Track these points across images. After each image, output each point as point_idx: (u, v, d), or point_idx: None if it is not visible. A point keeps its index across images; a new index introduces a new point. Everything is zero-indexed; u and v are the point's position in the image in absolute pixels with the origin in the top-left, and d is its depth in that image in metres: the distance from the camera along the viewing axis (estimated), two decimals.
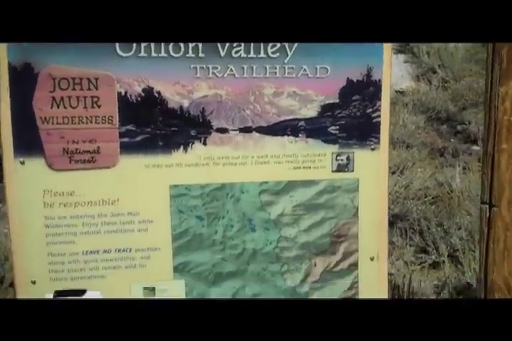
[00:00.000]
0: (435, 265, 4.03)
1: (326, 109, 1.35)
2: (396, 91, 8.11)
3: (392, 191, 5.11)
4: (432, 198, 4.99)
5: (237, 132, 1.33)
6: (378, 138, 1.40)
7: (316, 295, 1.41)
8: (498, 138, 1.41)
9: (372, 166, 1.41)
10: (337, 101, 1.36)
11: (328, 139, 1.37)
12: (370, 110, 1.38)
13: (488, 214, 1.45)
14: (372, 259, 1.45)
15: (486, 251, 1.47)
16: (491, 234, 1.45)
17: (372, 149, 1.40)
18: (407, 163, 5.67)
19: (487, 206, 1.45)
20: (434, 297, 3.37)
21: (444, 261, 3.98)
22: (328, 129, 1.36)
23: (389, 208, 5.01)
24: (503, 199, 1.43)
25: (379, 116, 1.38)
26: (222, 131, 1.32)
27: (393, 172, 5.47)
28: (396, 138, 6.46)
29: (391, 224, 4.61)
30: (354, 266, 1.44)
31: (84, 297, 1.27)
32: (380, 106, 1.38)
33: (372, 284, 1.46)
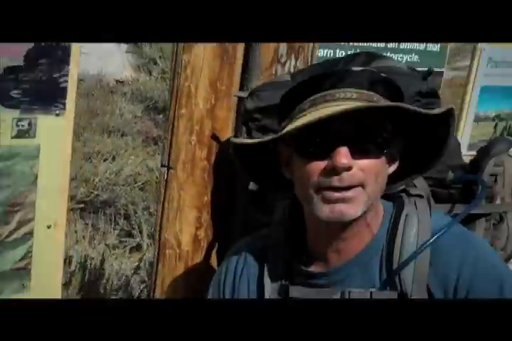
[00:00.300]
0: (138, 247, 4.18)
1: (10, 71, 1.28)
2: (116, 81, 8.12)
3: (103, 178, 5.12)
4: (142, 184, 5.15)
5: None
6: (64, 104, 1.38)
7: None
8: (178, 104, 1.52)
9: (55, 132, 1.38)
10: (23, 63, 1.29)
11: (10, 104, 1.30)
12: (58, 74, 1.35)
13: (166, 177, 1.56)
14: (49, 227, 1.42)
15: (161, 211, 1.58)
16: (167, 194, 1.57)
17: (57, 115, 1.37)
18: (119, 151, 5.74)
19: (165, 169, 1.55)
20: (131, 276, 3.50)
21: (145, 243, 4.15)
22: (11, 93, 1.29)
23: (98, 195, 5.00)
24: (179, 161, 1.55)
25: (66, 81, 1.36)
26: None
27: (105, 159, 5.49)
28: (112, 127, 6.48)
29: (97, 209, 4.63)
30: (29, 234, 1.39)
31: None
32: (68, 70, 1.36)
33: (48, 253, 1.44)
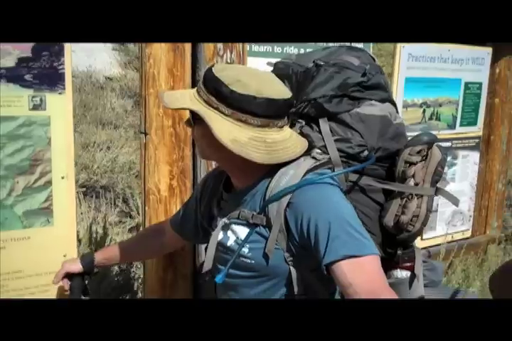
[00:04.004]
0: (137, 227, 4.58)
1: (22, 60, 1.72)
2: (106, 77, 8.48)
3: (101, 165, 5.55)
4: (137, 171, 5.56)
5: None
6: (64, 85, 1.81)
7: (20, 206, 1.78)
8: (147, 85, 1.96)
9: (60, 106, 1.81)
10: (30, 55, 1.73)
11: (25, 84, 1.73)
12: (56, 63, 1.78)
13: (144, 141, 2.00)
14: (62, 178, 1.86)
15: (144, 167, 2.02)
16: (146, 154, 2.01)
17: (60, 93, 1.81)
18: (114, 141, 6.16)
19: (143, 135, 2.00)
20: None
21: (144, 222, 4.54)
22: (24, 77, 1.73)
23: (97, 181, 5.36)
24: (152, 129, 1.99)
25: (63, 68, 1.79)
26: None
27: (101, 149, 5.91)
28: (105, 120, 6.89)
29: (98, 193, 5.05)
30: (49, 183, 1.83)
31: None
32: (64, 60, 1.79)
33: (64, 197, 1.87)
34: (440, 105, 3.35)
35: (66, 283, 1.77)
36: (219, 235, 1.47)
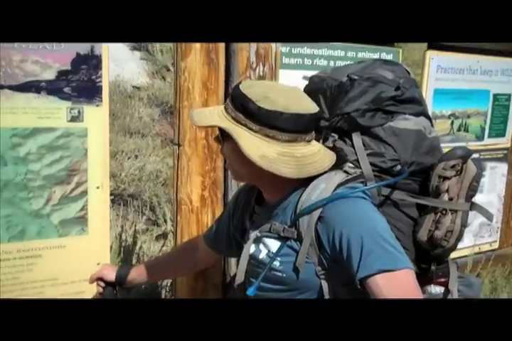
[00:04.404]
0: (164, 235, 4.63)
1: (62, 73, 1.78)
2: (133, 87, 8.59)
3: (128, 173, 5.62)
4: (163, 179, 5.62)
5: None
6: (101, 98, 1.86)
7: (56, 215, 1.83)
8: (181, 98, 2.00)
9: (97, 118, 1.86)
10: (69, 68, 1.79)
11: (63, 97, 1.79)
12: (94, 76, 1.83)
13: (177, 152, 2.04)
14: (98, 188, 1.90)
15: (176, 178, 2.06)
16: (179, 165, 2.05)
17: (97, 105, 1.86)
18: (141, 150, 6.23)
19: (177, 146, 2.04)
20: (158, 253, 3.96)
21: (171, 231, 4.59)
22: (63, 89, 1.79)
23: (125, 189, 5.40)
24: (186, 140, 2.03)
25: (101, 81, 1.85)
26: None
27: (129, 158, 5.99)
28: (132, 128, 6.98)
29: (126, 201, 5.11)
30: (84, 192, 1.88)
31: None
32: (101, 74, 1.84)
33: (98, 206, 1.92)
34: (468, 116, 3.34)
35: (100, 284, 1.84)
36: (251, 248, 1.49)
